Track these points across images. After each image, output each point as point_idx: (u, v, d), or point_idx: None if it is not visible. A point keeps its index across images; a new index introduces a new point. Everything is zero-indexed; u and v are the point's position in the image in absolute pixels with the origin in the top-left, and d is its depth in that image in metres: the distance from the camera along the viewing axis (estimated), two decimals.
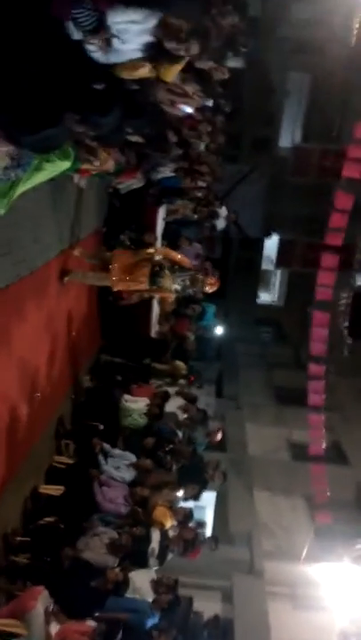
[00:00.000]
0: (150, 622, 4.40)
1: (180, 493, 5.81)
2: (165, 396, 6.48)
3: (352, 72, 11.66)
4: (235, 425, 12.44)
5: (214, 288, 6.54)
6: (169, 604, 4.62)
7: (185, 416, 6.28)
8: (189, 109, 4.09)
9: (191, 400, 6.68)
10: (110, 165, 5.02)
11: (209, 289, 6.33)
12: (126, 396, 6.31)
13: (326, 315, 10.67)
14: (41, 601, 3.82)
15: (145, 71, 3.29)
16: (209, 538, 6.09)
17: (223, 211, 9.16)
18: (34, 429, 5.21)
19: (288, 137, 15.66)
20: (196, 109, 4.71)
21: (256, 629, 8.22)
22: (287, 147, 15.36)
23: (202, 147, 7.35)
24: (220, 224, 9.29)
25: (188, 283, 5.88)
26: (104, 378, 6.79)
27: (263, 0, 12.78)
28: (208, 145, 7.92)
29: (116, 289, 5.93)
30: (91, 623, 3.96)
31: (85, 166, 4.69)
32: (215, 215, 8.80)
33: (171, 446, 6.37)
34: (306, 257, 14.28)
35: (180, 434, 6.32)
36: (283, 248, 15.06)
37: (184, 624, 5.05)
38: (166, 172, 7.10)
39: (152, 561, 4.93)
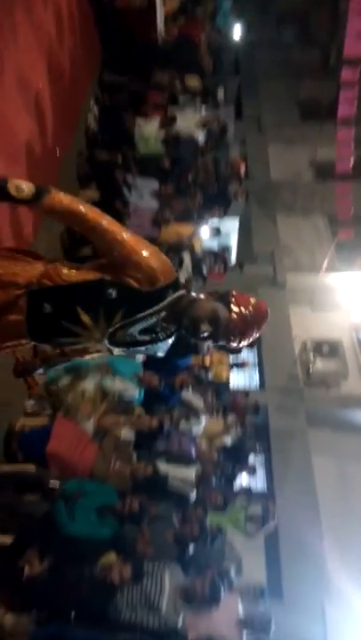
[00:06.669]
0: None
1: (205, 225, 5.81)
2: (171, 120, 5.86)
3: None
4: (256, 148, 11.76)
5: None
6: None
7: (204, 132, 5.75)
8: None
9: None
10: None
11: None
12: (139, 120, 5.71)
13: None
14: None
15: None
16: (235, 264, 6.37)
17: None
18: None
19: None
20: None
21: (279, 329, 9.47)
22: None
23: None
24: None
25: None
26: (111, 100, 6.05)
27: None
28: None
29: None
30: None
31: None
32: None
33: (192, 175, 6.10)
34: None
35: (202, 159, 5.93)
36: None
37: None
38: None
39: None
